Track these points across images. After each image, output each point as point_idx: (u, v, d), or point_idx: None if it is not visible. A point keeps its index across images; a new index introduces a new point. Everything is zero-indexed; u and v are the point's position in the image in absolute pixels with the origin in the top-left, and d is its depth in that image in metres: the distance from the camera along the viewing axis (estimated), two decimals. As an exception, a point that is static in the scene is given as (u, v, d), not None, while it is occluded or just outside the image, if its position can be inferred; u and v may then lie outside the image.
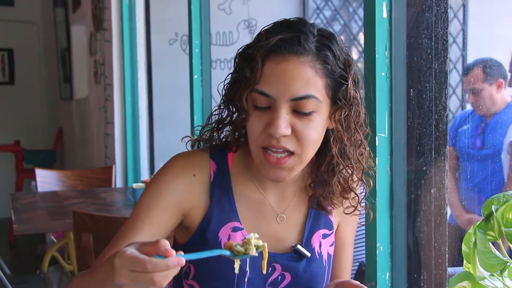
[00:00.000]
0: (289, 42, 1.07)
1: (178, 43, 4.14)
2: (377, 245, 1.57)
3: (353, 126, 1.15)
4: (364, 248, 1.67)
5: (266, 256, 1.02)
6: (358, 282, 1.12)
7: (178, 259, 0.89)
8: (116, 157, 4.23)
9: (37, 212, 2.75)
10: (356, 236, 2.11)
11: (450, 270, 1.54)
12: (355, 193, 1.23)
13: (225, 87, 1.19)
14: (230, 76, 1.19)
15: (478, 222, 0.84)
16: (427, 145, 1.56)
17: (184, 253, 0.91)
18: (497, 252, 0.82)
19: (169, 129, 4.12)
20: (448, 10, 1.58)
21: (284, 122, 1.06)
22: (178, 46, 4.14)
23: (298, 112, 1.08)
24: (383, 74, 1.57)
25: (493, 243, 0.84)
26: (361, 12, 4.67)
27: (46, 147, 7.30)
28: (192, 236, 1.21)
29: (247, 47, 1.14)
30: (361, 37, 4.66)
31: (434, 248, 1.57)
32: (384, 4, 1.56)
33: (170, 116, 4.17)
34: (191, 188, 1.20)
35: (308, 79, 1.07)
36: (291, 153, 1.09)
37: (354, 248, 2.12)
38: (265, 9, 4.42)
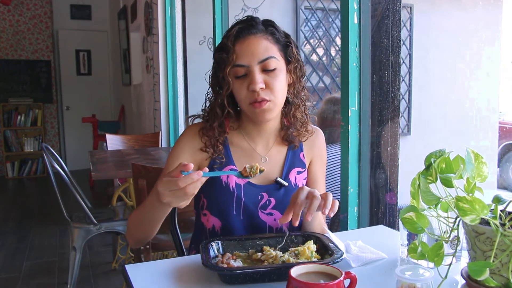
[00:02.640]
0: (246, 27, 1.13)
1: (205, 43, 4.07)
2: (349, 187, 1.57)
3: (299, 74, 1.20)
4: (339, 190, 1.67)
5: (261, 169, 1.04)
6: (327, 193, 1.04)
7: (197, 172, 0.91)
8: (161, 126, 4.21)
9: (107, 164, 2.76)
10: (336, 181, 2.10)
11: (400, 204, 1.53)
12: (306, 128, 1.25)
13: (210, 75, 1.22)
14: (212, 67, 1.21)
15: (421, 170, 0.83)
16: (385, 116, 1.54)
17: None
18: (433, 191, 0.81)
19: (199, 105, 4.08)
20: (401, 19, 1.56)
21: (259, 78, 1.10)
22: (205, 46, 4.07)
23: (266, 70, 1.11)
24: (354, 64, 1.54)
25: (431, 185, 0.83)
26: (338, 21, 4.59)
27: (113, 119, 7.33)
28: None
29: (219, 47, 1.16)
30: (338, 40, 4.59)
31: (389, 190, 1.56)
32: (355, 14, 1.54)
33: (200, 96, 4.11)
34: (199, 147, 1.21)
35: (266, 46, 1.11)
36: (268, 100, 1.11)
37: (332, 190, 2.12)
38: (268, 18, 4.34)
